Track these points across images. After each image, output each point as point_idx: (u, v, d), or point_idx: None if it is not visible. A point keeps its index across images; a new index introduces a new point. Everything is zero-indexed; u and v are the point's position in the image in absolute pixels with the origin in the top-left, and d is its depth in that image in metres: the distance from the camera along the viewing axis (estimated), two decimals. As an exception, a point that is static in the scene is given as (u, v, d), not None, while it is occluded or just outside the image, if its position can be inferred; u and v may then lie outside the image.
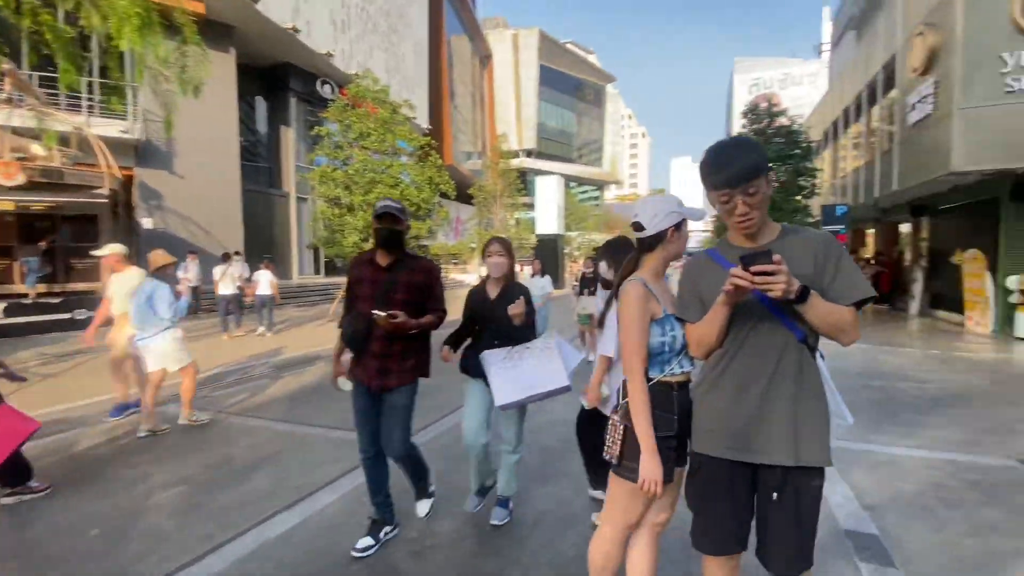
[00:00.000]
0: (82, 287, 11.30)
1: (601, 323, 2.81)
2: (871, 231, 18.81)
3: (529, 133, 61.98)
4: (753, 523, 1.57)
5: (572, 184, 51.25)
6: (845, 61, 21.19)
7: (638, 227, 1.77)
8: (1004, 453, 3.96)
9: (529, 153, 60.20)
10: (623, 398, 1.72)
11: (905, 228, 16.98)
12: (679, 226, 1.78)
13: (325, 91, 20.49)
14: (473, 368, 2.81)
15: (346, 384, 2.67)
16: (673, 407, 1.69)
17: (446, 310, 2.74)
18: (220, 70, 16.40)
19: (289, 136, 20.39)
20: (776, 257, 1.35)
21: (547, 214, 25.81)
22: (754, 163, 1.46)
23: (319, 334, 10.35)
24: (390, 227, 2.51)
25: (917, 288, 13.86)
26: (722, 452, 1.55)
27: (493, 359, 2.69)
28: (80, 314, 10.38)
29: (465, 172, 35.06)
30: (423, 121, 28.73)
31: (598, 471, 2.96)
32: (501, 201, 20.59)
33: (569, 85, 68.62)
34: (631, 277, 1.76)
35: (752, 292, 1.39)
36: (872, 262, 16.25)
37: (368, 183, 11.64)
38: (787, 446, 1.47)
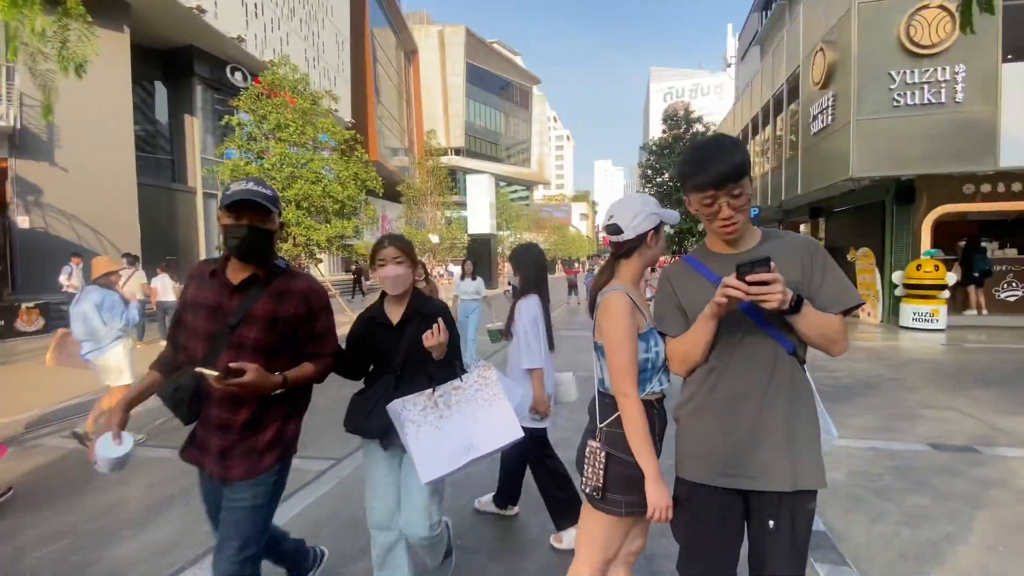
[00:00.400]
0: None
1: (508, 334, 2.75)
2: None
3: (457, 131, 61.47)
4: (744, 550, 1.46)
5: (502, 184, 51.50)
6: (752, 73, 22.85)
7: (614, 230, 1.60)
8: (915, 437, 4.29)
9: (458, 151, 59.67)
10: (601, 422, 1.55)
11: (803, 228, 18.66)
12: (657, 229, 1.64)
13: (236, 79, 18.88)
14: (372, 425, 1.91)
15: (111, 450, 1.65)
16: (655, 427, 1.54)
17: (339, 353, 1.91)
18: (111, 50, 14.58)
19: (194, 126, 18.58)
20: (772, 264, 1.24)
21: (479, 213, 25.58)
22: (739, 162, 1.35)
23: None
24: (251, 225, 1.61)
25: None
26: (713, 479, 1.41)
27: (407, 413, 1.83)
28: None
29: (392, 168, 33.94)
30: (346, 114, 27.45)
31: (557, 507, 2.71)
32: (431, 199, 20.09)
33: (496, 85, 68.88)
34: (610, 286, 1.58)
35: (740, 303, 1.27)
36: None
37: (286, 178, 10.79)
38: (784, 470, 1.36)
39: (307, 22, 24.28)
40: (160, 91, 18.76)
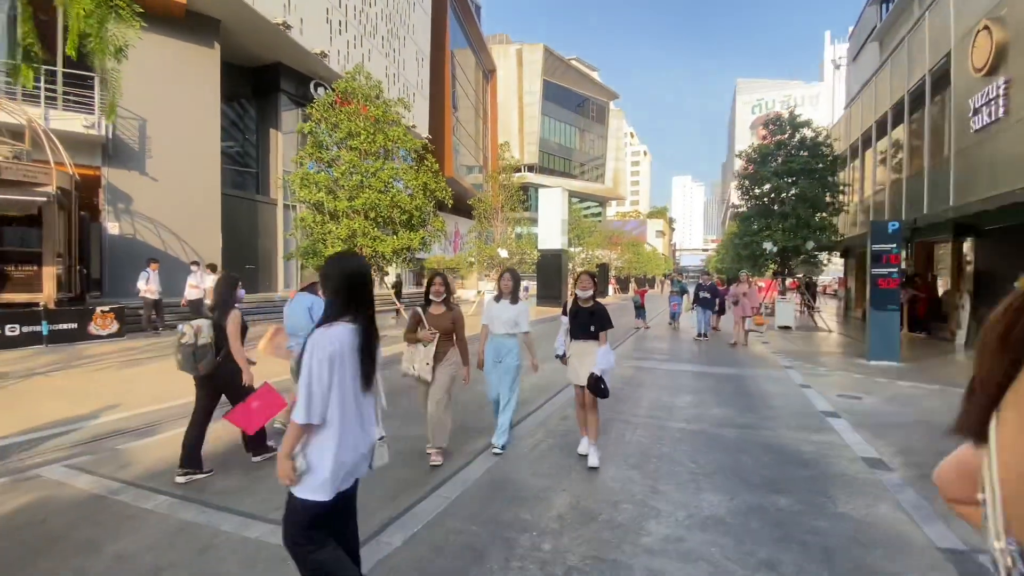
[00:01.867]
0: (17, 298, 9.83)
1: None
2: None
3: (532, 148, 61.31)
4: None
5: (575, 200, 50.33)
6: (869, 72, 20.12)
7: None
8: None
9: (531, 168, 59.35)
10: None
11: (941, 250, 15.71)
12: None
13: (319, 94, 19.31)
14: None
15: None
16: None
17: None
18: (202, 65, 15.23)
19: (279, 140, 19.16)
20: None
21: (550, 228, 24.50)
22: None
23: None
24: None
25: (963, 316, 12.46)
26: None
27: None
28: (12, 329, 8.93)
29: (466, 185, 33.92)
30: (423, 130, 27.63)
31: None
32: (502, 214, 19.30)
33: (572, 101, 68.22)
34: None
35: None
36: (907, 286, 14.90)
37: (354, 187, 10.30)
38: None
39: (388, 39, 24.74)
40: (249, 107, 19.58)
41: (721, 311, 13.72)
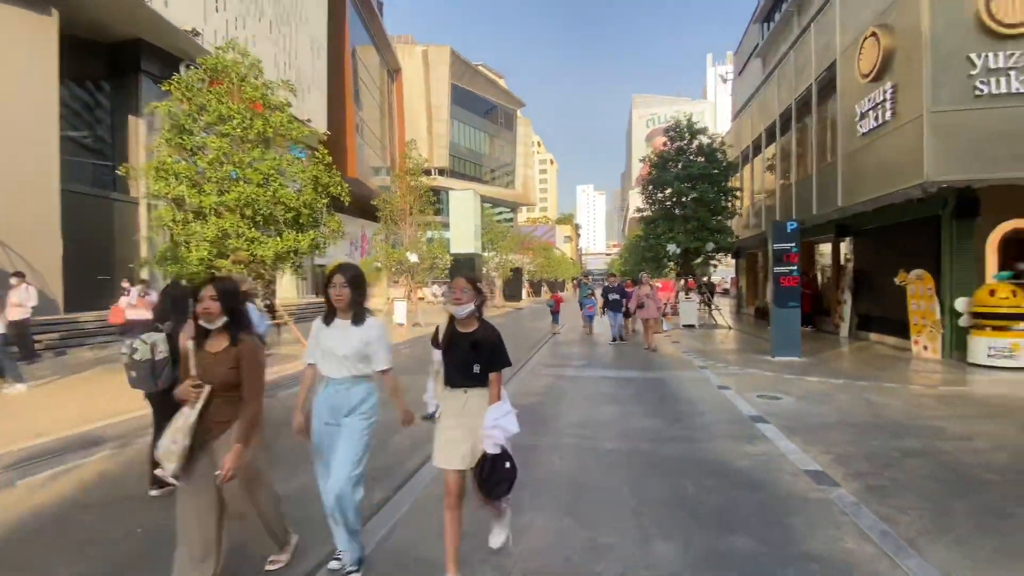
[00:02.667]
0: None
1: None
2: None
3: (441, 151, 60.20)
4: None
5: (487, 205, 49.83)
6: (752, 87, 21.68)
7: None
8: None
9: (442, 172, 58.17)
10: None
11: (824, 248, 17.14)
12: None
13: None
14: None
15: None
16: None
17: None
18: (35, 37, 12.49)
19: (139, 129, 16.39)
20: None
21: (463, 231, 23.64)
22: None
23: (98, 394, 6.64)
24: None
25: (846, 310, 13.49)
26: None
27: None
28: None
29: (373, 187, 32.02)
30: (321, 125, 25.56)
31: None
32: (411, 216, 18.11)
33: (481, 107, 68.20)
34: None
35: None
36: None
37: (224, 179, 8.70)
38: None
39: (277, 24, 22.48)
40: (103, 90, 16.57)
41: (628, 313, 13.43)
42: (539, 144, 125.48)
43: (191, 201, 8.58)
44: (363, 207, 25.07)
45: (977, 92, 7.21)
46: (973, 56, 7.21)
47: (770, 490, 3.66)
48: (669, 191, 17.33)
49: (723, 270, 37.91)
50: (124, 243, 16.04)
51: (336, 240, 11.43)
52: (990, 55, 7.16)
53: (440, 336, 2.65)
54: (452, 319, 2.63)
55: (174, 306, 3.55)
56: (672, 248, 16.13)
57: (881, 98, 8.52)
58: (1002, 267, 9.47)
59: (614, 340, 11.87)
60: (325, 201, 10.25)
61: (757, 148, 17.27)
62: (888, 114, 8.33)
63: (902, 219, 10.83)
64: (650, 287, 10.86)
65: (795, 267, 9.68)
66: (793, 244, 9.65)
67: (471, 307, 2.54)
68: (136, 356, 3.31)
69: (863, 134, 9.23)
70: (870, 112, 8.87)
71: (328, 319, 2.67)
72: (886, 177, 8.64)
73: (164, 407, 3.20)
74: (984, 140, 7.22)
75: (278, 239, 9.27)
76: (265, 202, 8.94)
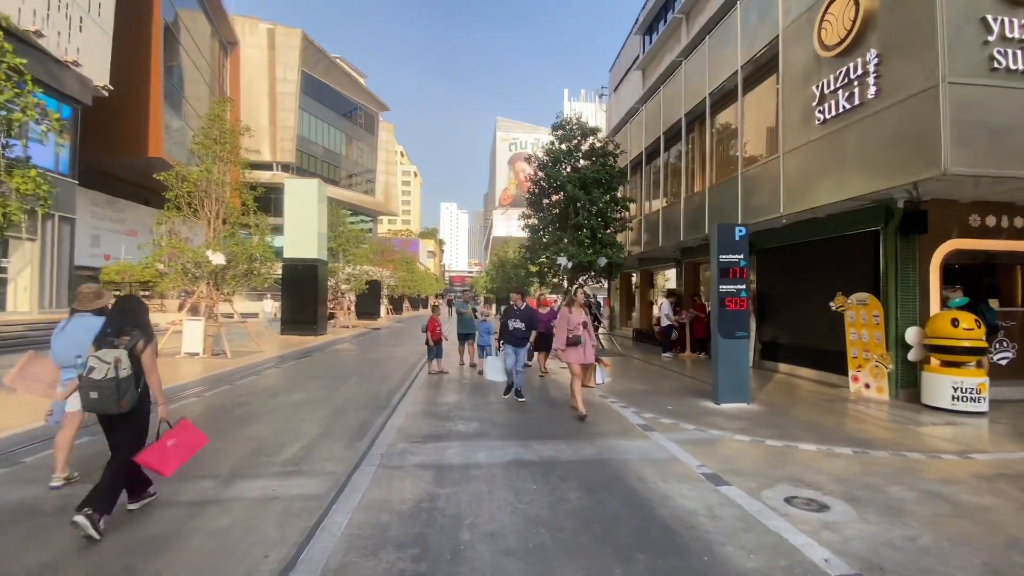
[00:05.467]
0: None
1: None
2: (670, 271, 17.71)
3: (287, 144, 52.49)
4: None
5: (346, 212, 43.60)
6: (634, 100, 20.74)
7: None
8: None
9: (286, 168, 50.44)
10: None
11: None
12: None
13: None
14: None
15: None
16: None
17: None
18: None
19: None
20: None
21: (302, 231, 18.66)
22: None
23: None
24: None
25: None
26: None
27: None
28: None
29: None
30: (100, 74, 18.64)
31: None
32: (220, 206, 12.99)
33: (339, 104, 61.82)
34: None
35: None
36: (683, 306, 14.59)
37: None
38: None
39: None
40: None
41: (542, 347, 9.49)
42: (402, 154, 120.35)
43: None
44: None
45: (995, 64, 5.60)
46: (989, 18, 5.60)
47: None
48: (556, 198, 14.94)
49: (589, 289, 37.77)
50: None
51: (46, 204, 6.43)
52: (1006, 20, 5.62)
53: None
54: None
55: (128, 318, 3.42)
56: (563, 262, 13.60)
57: (857, 72, 6.73)
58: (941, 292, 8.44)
59: (510, 392, 7.61)
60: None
61: (649, 157, 15.78)
62: (871, 91, 6.53)
63: (823, 235, 9.56)
64: (585, 310, 6.66)
65: (744, 285, 7.50)
66: (741, 256, 7.47)
67: None
68: (93, 375, 3.18)
69: (824, 122, 7.44)
70: (838, 92, 7.08)
71: None
72: (865, 172, 6.81)
73: (118, 430, 3.38)
74: (1005, 125, 5.59)
75: None
76: None
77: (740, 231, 7.43)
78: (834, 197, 7.38)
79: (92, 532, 3.04)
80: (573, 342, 6.36)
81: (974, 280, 8.77)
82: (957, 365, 7.27)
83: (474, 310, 10.51)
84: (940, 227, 7.93)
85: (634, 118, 17.37)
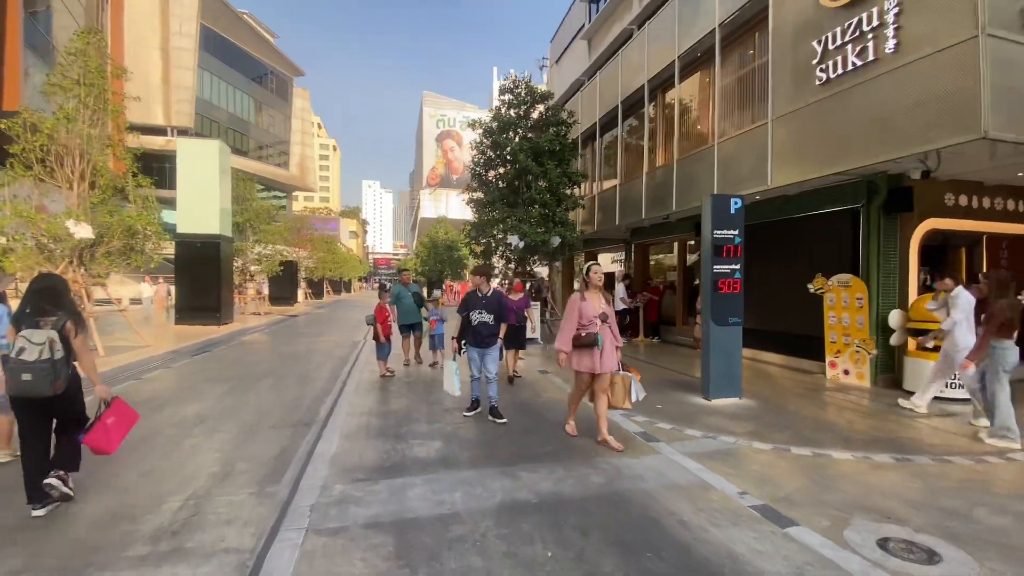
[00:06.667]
0: None
1: None
2: (618, 254, 17.03)
3: (184, 107, 46.47)
4: None
5: (260, 189, 38.78)
6: (580, 71, 19.70)
7: None
8: None
9: (184, 133, 44.45)
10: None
11: (662, 249, 15.66)
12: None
13: None
14: None
15: None
16: None
17: None
18: None
19: None
20: None
21: (199, 202, 15.79)
22: None
23: None
24: None
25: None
26: None
27: None
28: None
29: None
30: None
31: None
32: (85, 164, 10.25)
33: (246, 65, 55.70)
34: None
35: None
36: (634, 289, 13.91)
37: None
38: None
39: None
40: None
41: (512, 343, 7.64)
42: (320, 125, 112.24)
43: None
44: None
45: (1032, 15, 4.97)
46: (1031, -40, 4.95)
47: None
48: (504, 170, 13.55)
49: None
50: None
51: None
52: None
53: None
54: None
55: (48, 298, 3.34)
56: (515, 241, 12.30)
57: (872, 24, 5.94)
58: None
59: (475, 410, 5.78)
60: None
61: (604, 128, 14.77)
62: (889, 45, 5.75)
63: (795, 214, 9.03)
64: (607, 298, 4.87)
65: (738, 265, 6.63)
66: (736, 232, 6.58)
67: None
68: (24, 356, 3.10)
69: (826, 82, 6.64)
70: (846, 47, 6.28)
71: None
72: (877, 138, 6.07)
73: (42, 415, 3.33)
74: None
75: None
76: None
77: (736, 203, 6.51)
78: (838, 166, 6.65)
79: (66, 490, 3.33)
80: (587, 342, 4.52)
81: (942, 262, 8.65)
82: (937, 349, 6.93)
83: (418, 295, 8.79)
84: (918, 207, 7.55)
85: (585, 88, 16.26)
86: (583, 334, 4.60)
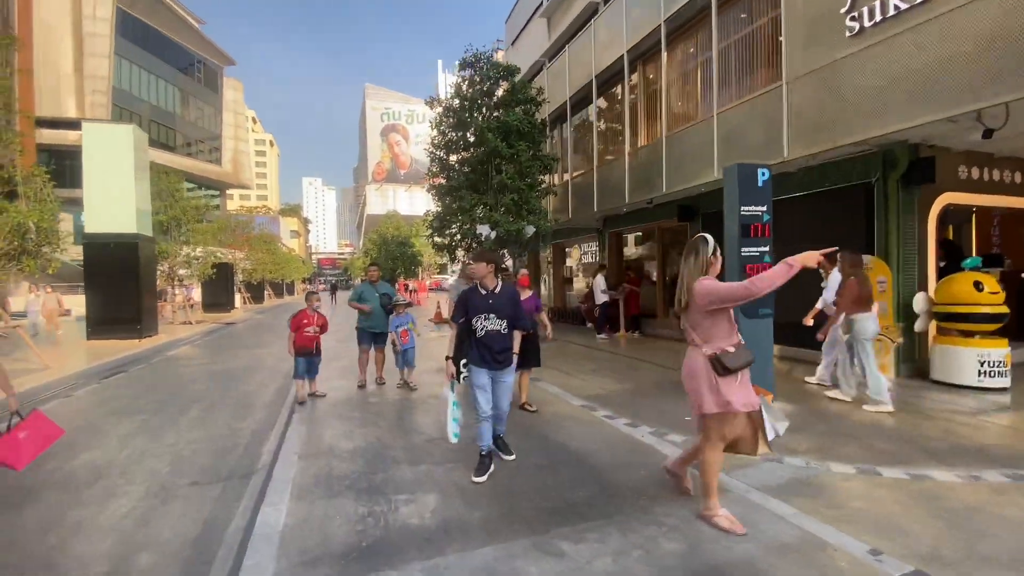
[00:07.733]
0: None
1: None
2: (587, 245, 16.08)
3: (99, 98, 41.87)
4: None
5: (190, 187, 35.01)
6: (539, 51, 18.58)
7: None
8: None
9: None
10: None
11: (636, 236, 14.80)
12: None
13: None
14: None
15: None
16: None
17: None
18: None
19: None
20: None
21: (111, 198, 13.50)
22: None
23: None
24: None
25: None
26: None
27: None
28: None
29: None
30: None
31: None
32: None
33: (170, 53, 51.06)
34: None
35: None
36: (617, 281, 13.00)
37: None
38: None
39: None
40: None
41: (525, 360, 5.37)
42: (255, 119, 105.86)
43: None
44: None
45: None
46: None
47: None
48: (468, 153, 12.25)
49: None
50: None
51: None
52: None
53: None
54: None
55: None
56: (485, 231, 11.03)
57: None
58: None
59: (484, 473, 3.78)
60: None
61: (575, 108, 13.71)
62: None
63: (797, 192, 8.30)
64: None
65: (768, 247, 5.70)
66: (765, 208, 5.64)
67: None
68: None
69: (859, 32, 5.79)
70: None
71: None
72: (918, 95, 5.26)
73: None
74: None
75: None
76: None
77: (764, 173, 5.56)
78: (873, 131, 5.83)
79: None
80: (740, 362, 2.95)
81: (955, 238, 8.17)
82: (972, 335, 6.31)
83: (388, 296, 7.17)
84: (942, 178, 6.94)
85: (552, 65, 15.16)
86: (730, 349, 2.94)
